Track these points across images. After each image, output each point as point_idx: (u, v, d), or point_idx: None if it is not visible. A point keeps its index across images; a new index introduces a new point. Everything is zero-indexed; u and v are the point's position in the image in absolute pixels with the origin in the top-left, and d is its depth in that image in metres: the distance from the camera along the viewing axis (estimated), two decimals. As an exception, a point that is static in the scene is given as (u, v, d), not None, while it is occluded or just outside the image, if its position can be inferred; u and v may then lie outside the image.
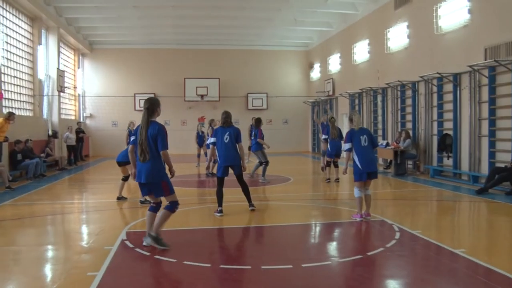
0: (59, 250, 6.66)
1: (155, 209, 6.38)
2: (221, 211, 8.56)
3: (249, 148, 17.48)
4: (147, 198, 6.57)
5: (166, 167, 6.22)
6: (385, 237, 6.98)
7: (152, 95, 26.79)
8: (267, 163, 13.74)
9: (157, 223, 6.22)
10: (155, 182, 6.14)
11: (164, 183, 6.17)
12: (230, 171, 8.82)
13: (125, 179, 10.48)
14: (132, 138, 6.41)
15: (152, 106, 6.22)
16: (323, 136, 14.62)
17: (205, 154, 17.00)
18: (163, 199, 6.37)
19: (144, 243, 6.21)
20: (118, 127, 25.91)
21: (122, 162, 10.07)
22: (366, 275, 5.34)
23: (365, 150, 8.11)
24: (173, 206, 6.27)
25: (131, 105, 26.77)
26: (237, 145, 8.74)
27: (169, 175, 6.28)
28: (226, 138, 8.68)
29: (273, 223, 8.49)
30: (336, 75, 24.47)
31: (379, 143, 17.19)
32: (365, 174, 8.06)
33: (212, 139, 8.95)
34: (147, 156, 6.03)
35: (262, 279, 5.15)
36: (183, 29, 24.88)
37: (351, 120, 8.45)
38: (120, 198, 10.50)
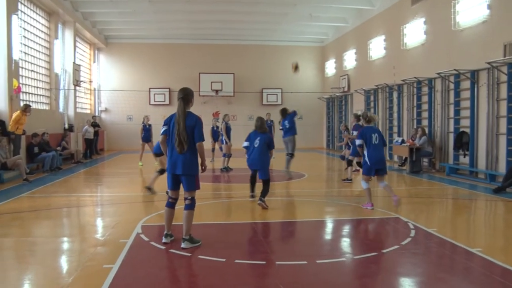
0: (75, 242, 6.73)
1: (173, 205, 6.30)
2: (253, 196, 9.41)
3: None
4: (155, 192, 6.48)
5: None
6: (400, 235, 6.93)
7: (167, 90, 27.05)
8: (292, 155, 13.60)
9: (187, 226, 6.09)
10: (191, 175, 6.08)
11: (197, 177, 6.15)
12: None
13: (162, 172, 10.27)
14: (164, 128, 6.22)
15: (187, 96, 6.22)
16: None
17: (220, 148, 17.14)
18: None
19: (183, 246, 6.02)
20: (133, 121, 26.08)
21: (159, 153, 10.04)
22: (380, 273, 5.32)
23: (376, 147, 8.70)
24: (194, 203, 6.21)
25: (146, 100, 26.92)
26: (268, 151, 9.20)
27: (199, 170, 6.21)
28: (257, 143, 9.08)
29: (288, 218, 8.49)
30: (351, 71, 24.32)
31: (394, 140, 17.10)
32: (373, 170, 8.74)
33: (245, 143, 9.36)
34: (185, 147, 5.94)
35: (276, 274, 5.16)
36: (198, 24, 24.90)
37: (365, 118, 9.03)
38: (150, 189, 10.38)
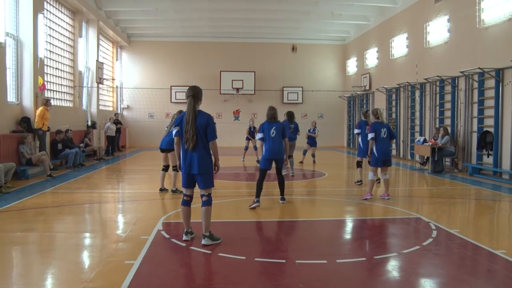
0: (97, 238, 6.83)
1: (188, 202, 6.31)
2: (257, 201, 8.69)
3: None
4: (182, 189, 6.51)
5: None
6: (422, 235, 6.86)
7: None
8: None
9: (207, 223, 6.14)
10: (206, 173, 6.10)
11: (212, 174, 6.18)
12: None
13: (165, 169, 10.57)
14: (175, 130, 6.22)
15: (197, 93, 6.25)
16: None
17: (254, 147, 18.45)
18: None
19: (204, 242, 6.06)
20: (154, 119, 26.35)
21: (166, 149, 10.20)
22: (401, 273, 5.27)
23: (384, 141, 9.78)
24: (211, 200, 6.22)
25: (167, 97, 27.13)
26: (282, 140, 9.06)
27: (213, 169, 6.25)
28: (273, 133, 9.00)
29: (308, 217, 8.47)
30: (373, 70, 24.12)
31: (416, 140, 16.91)
32: (380, 162, 9.76)
33: (260, 135, 9.18)
34: (195, 144, 5.98)
35: (296, 273, 5.15)
36: (220, 22, 25.01)
37: (375, 114, 10.04)
38: (162, 190, 10.56)
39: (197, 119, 6.08)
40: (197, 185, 6.25)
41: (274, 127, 9.04)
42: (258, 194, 8.77)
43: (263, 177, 8.94)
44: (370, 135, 9.84)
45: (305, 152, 17.86)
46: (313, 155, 18.05)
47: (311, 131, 18.17)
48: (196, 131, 6.02)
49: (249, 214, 8.33)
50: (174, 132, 6.26)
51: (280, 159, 9.03)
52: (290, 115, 13.44)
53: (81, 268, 5.42)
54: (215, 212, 7.53)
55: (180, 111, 17.77)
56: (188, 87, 6.37)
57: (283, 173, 9.26)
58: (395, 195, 10.27)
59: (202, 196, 6.19)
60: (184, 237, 6.31)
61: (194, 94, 6.21)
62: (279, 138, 9.00)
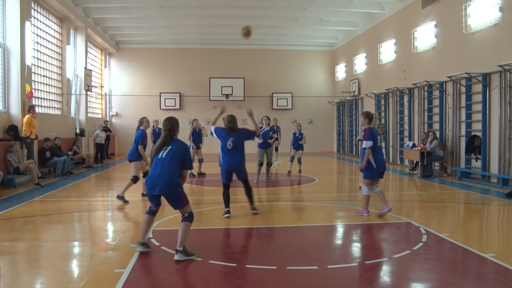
0: (86, 246, 6.76)
1: (154, 213, 6.19)
2: (228, 212, 8.45)
3: (276, 149, 18.23)
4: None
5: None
6: (412, 240, 6.88)
7: (178, 95, 27.16)
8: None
9: (183, 237, 5.86)
10: (175, 194, 5.91)
11: (183, 193, 5.96)
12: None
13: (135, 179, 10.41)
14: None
15: (173, 127, 6.14)
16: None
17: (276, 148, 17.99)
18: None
19: (177, 258, 5.76)
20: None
21: (132, 159, 10.40)
22: (392, 278, 5.27)
23: (380, 150, 8.59)
24: (192, 217, 6.03)
25: (156, 104, 27.03)
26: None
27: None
28: (230, 145, 8.38)
29: (298, 223, 8.46)
30: (361, 75, 24.27)
31: (405, 144, 17.01)
32: (378, 174, 8.49)
33: (214, 134, 8.71)
34: (164, 171, 5.85)
35: (287, 279, 5.14)
36: (209, 28, 25.03)
37: (370, 118, 8.53)
38: (121, 198, 10.33)
39: (172, 144, 6.02)
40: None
41: (231, 139, 8.41)
42: (227, 204, 8.54)
43: (226, 189, 8.66)
44: (368, 143, 8.36)
45: (292, 159, 16.14)
46: (300, 161, 16.21)
47: (297, 135, 16.38)
48: (170, 157, 5.92)
49: (239, 220, 8.30)
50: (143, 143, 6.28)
51: (239, 170, 8.55)
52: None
53: (70, 278, 5.35)
54: (205, 219, 7.53)
55: (155, 121, 17.94)
56: (165, 119, 6.26)
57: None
58: (387, 200, 10.30)
59: (182, 215, 6.03)
60: (176, 257, 5.82)
61: (170, 128, 6.12)
62: (236, 151, 8.41)
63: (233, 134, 8.45)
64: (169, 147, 5.99)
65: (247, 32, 11.64)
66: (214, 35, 26.32)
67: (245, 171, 8.63)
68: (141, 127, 10.58)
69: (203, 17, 22.60)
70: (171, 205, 6.02)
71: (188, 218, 6.00)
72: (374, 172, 8.41)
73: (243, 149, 8.54)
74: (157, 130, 17.77)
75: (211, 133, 8.77)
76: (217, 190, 12.08)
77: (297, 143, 16.28)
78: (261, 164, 13.62)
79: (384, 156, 20.25)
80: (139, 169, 10.49)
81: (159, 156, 5.96)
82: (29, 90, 14.70)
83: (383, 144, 11.12)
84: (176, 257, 5.78)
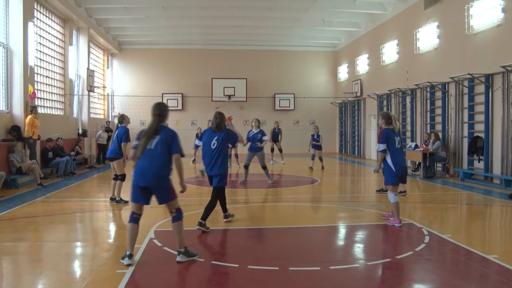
0: (89, 247, 6.77)
1: (137, 220, 5.77)
2: (229, 215, 8.11)
3: (280, 150, 20.00)
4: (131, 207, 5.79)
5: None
6: (414, 241, 6.87)
7: (180, 95, 27.18)
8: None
9: (180, 238, 5.77)
10: (162, 186, 5.68)
11: (171, 187, 5.73)
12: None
13: (116, 178, 10.26)
14: (135, 143, 5.84)
15: (163, 112, 5.93)
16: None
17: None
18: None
19: (179, 260, 5.70)
20: (145, 126, 26.18)
21: (109, 157, 10.27)
22: (394, 279, 5.26)
23: (399, 152, 8.00)
24: (181, 214, 5.84)
25: (158, 105, 26.99)
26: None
27: (177, 190, 5.77)
28: (214, 144, 7.56)
29: (301, 224, 8.45)
30: (364, 76, 24.25)
31: (408, 145, 16.97)
32: (397, 178, 7.94)
33: (197, 142, 8.23)
34: (153, 163, 5.62)
35: (290, 280, 5.13)
36: (211, 29, 25.05)
37: (388, 119, 8.10)
38: (113, 199, 10.29)
39: (160, 133, 5.75)
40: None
41: (215, 137, 7.59)
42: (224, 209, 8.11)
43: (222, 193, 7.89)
44: (380, 146, 7.91)
45: (313, 157, 18.05)
46: (321, 159, 18.09)
47: (315, 137, 18.18)
48: (160, 146, 5.67)
49: (241, 221, 8.29)
50: (133, 145, 5.85)
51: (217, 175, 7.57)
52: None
53: (72, 278, 5.36)
54: (209, 220, 7.50)
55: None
56: (154, 104, 6.01)
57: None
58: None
59: (171, 212, 5.83)
60: (125, 261, 5.59)
61: (160, 113, 5.88)
62: (221, 150, 7.55)
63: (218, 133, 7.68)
64: (158, 136, 5.72)
65: None
66: (216, 35, 26.34)
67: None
68: (123, 124, 10.36)
69: (205, 17, 22.62)
70: (158, 200, 5.74)
71: (178, 216, 5.81)
72: (393, 176, 7.89)
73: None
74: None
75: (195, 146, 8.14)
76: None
77: (315, 144, 18.13)
78: (245, 167, 13.47)
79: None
80: (123, 166, 10.33)
81: (148, 147, 5.69)
82: (31, 90, 14.72)
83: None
84: (178, 259, 5.75)
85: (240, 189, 13.01)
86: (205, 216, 7.43)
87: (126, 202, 9.99)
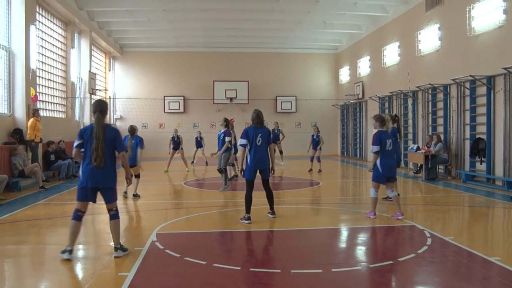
0: (91, 249, 6.78)
1: (81, 218, 6.13)
2: (249, 218, 8.17)
3: (281, 152, 20.06)
4: (79, 207, 6.11)
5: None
6: (416, 243, 6.86)
7: (182, 98, 27.21)
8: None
9: (117, 235, 6.14)
10: (111, 187, 6.10)
11: (115, 188, 6.19)
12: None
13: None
14: (77, 142, 6.07)
15: (105, 108, 6.12)
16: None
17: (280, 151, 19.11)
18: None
19: (116, 255, 6.01)
20: (147, 129, 26.27)
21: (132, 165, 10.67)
22: (397, 281, 5.26)
23: (388, 154, 8.43)
24: (118, 212, 6.27)
25: (160, 108, 27.09)
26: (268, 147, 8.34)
27: (125, 182, 6.44)
28: (259, 141, 8.20)
29: (303, 226, 8.44)
30: (365, 78, 24.24)
31: (410, 147, 16.97)
32: (384, 178, 8.46)
33: (243, 141, 8.28)
34: (103, 162, 5.90)
35: (292, 283, 5.12)
36: (212, 32, 25.08)
37: (381, 121, 8.56)
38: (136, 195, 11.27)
39: (105, 133, 5.96)
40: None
41: (260, 134, 8.23)
42: (248, 209, 8.24)
43: (250, 188, 8.31)
44: (373, 148, 8.39)
45: (312, 159, 17.98)
46: (319, 159, 17.66)
47: (314, 137, 18.15)
48: (105, 147, 5.93)
49: (243, 224, 8.28)
50: (75, 144, 6.05)
51: (265, 169, 8.29)
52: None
53: (75, 281, 5.37)
54: (208, 223, 7.51)
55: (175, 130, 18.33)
56: (95, 101, 6.27)
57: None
58: (390, 203, 10.26)
59: (109, 210, 6.18)
60: (65, 255, 5.92)
61: (101, 109, 6.05)
62: (265, 146, 8.27)
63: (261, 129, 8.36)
64: (102, 135, 5.91)
65: None
66: (218, 38, 26.36)
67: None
68: (135, 134, 11.26)
69: (207, 20, 22.65)
70: (105, 199, 6.13)
71: (116, 214, 6.21)
72: (380, 176, 8.43)
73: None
74: (175, 139, 18.09)
75: (243, 145, 8.30)
76: (214, 194, 12.08)
77: (316, 144, 17.97)
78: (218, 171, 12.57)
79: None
80: (139, 168, 11.47)
81: (93, 147, 5.90)
82: (33, 93, 14.75)
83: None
84: (115, 254, 6.03)
85: (240, 192, 13.00)
86: (272, 205, 8.52)
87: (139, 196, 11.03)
